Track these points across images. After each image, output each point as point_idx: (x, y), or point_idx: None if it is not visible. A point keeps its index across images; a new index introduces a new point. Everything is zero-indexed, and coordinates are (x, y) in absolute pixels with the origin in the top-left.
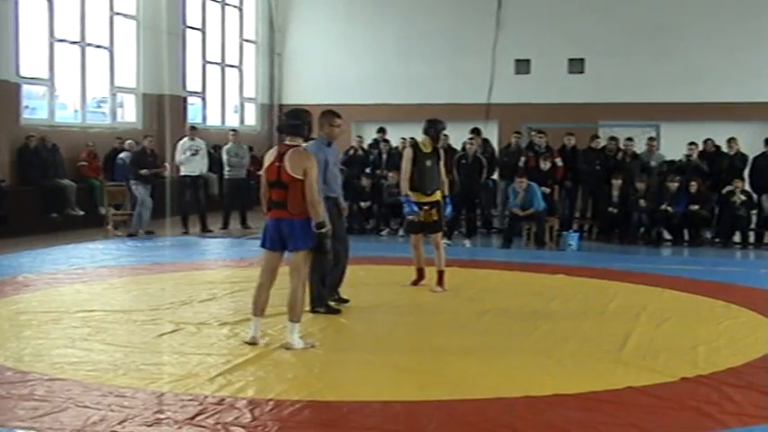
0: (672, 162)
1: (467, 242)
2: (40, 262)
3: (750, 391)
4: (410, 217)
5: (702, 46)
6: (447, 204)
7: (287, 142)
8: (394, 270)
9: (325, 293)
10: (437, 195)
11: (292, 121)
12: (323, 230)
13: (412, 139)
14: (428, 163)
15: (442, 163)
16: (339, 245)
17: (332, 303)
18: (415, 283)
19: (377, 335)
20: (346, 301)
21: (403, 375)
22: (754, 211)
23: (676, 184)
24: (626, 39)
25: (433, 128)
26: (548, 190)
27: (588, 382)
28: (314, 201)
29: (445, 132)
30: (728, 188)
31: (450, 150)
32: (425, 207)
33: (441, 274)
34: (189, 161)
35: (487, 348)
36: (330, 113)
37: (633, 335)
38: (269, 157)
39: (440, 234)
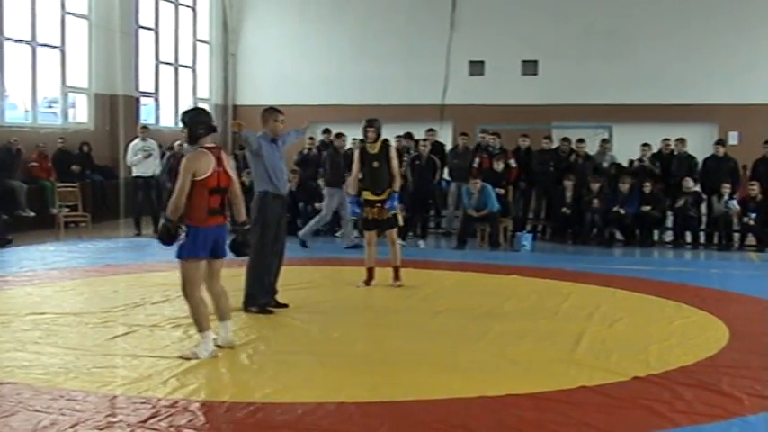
0: (621, 166)
1: (421, 243)
2: None
3: (701, 389)
4: (352, 217)
5: (654, 49)
6: (393, 199)
7: (210, 144)
8: (348, 271)
9: (257, 292)
10: (388, 193)
11: (213, 122)
12: (247, 227)
13: (361, 141)
14: (375, 164)
15: (394, 162)
16: (281, 245)
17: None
18: (368, 282)
19: (331, 336)
20: (285, 305)
21: (357, 376)
22: (704, 213)
23: (627, 186)
24: (579, 41)
25: (368, 127)
26: (502, 191)
27: (542, 382)
28: (241, 199)
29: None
30: (680, 202)
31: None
32: (378, 205)
33: (396, 269)
34: (141, 162)
35: (442, 349)
36: (272, 110)
37: (586, 335)
38: (206, 164)
39: (395, 230)
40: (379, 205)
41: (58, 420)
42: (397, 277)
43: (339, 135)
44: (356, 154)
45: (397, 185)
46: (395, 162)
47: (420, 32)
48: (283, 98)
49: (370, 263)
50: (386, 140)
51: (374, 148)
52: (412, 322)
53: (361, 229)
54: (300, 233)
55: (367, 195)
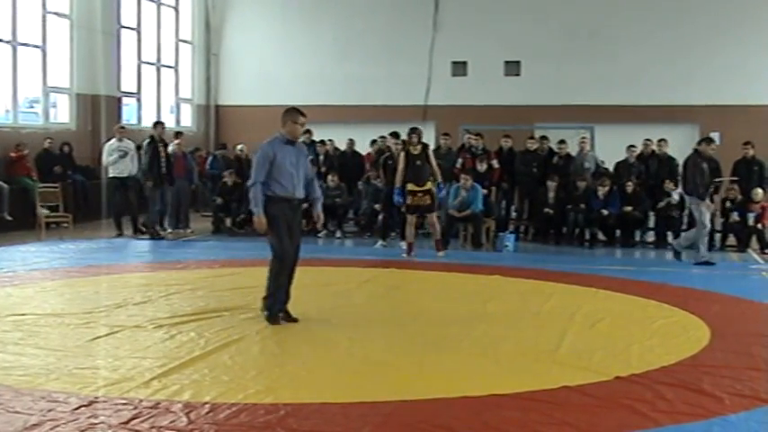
0: (599, 167)
1: (403, 244)
2: None
3: (682, 389)
4: (398, 203)
5: (635, 50)
6: (440, 189)
7: None
8: (331, 272)
9: (271, 305)
10: (428, 185)
11: None
12: None
13: (403, 142)
14: (418, 162)
15: (433, 161)
16: (296, 248)
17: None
18: (408, 253)
19: (313, 337)
20: (295, 320)
21: (340, 377)
22: (685, 213)
23: (606, 188)
24: (561, 42)
25: (412, 133)
26: (485, 191)
27: (524, 382)
28: None
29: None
30: (663, 203)
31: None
32: (419, 194)
33: (438, 242)
34: (117, 162)
35: (424, 349)
36: (294, 111)
37: (568, 335)
38: None
39: (434, 213)
40: (420, 194)
41: (39, 422)
42: (438, 248)
43: (708, 140)
44: (402, 155)
45: (438, 178)
46: (433, 161)
47: (403, 33)
48: (265, 98)
49: (410, 239)
50: (425, 144)
51: (416, 150)
52: (394, 323)
53: (405, 212)
54: (675, 243)
55: (411, 187)
